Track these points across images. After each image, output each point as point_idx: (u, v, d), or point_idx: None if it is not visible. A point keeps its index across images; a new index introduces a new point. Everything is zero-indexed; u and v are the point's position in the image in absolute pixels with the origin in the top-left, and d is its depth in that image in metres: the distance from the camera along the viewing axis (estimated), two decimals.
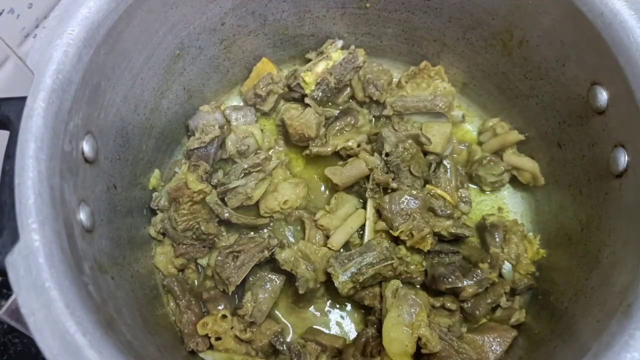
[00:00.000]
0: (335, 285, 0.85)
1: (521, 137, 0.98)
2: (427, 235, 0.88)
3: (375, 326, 0.88)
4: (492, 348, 0.85)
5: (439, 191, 0.93)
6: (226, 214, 0.92)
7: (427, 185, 0.94)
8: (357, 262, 0.86)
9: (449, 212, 0.92)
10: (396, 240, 0.93)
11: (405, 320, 0.82)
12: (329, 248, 0.90)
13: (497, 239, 0.95)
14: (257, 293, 0.89)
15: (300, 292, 0.86)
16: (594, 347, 0.60)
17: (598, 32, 0.71)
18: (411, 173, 0.93)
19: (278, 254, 0.87)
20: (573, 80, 0.81)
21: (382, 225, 0.91)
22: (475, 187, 1.02)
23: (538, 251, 0.94)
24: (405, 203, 0.90)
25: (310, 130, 0.97)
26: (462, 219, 0.95)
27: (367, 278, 0.85)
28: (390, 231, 0.90)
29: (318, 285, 0.89)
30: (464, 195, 0.96)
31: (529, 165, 0.96)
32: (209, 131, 0.94)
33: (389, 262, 0.87)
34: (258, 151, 0.98)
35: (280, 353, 0.87)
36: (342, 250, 0.92)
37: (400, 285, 0.87)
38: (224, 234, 0.94)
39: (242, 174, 0.94)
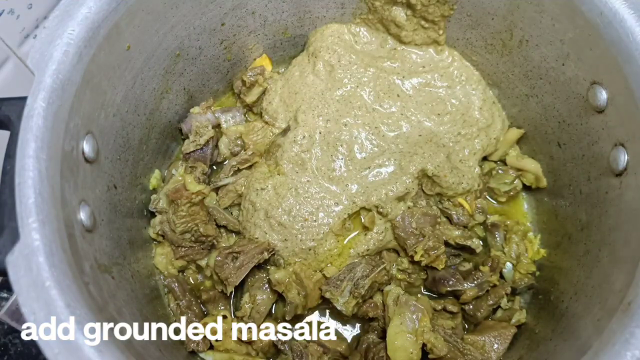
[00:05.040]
0: (338, 308, 0.85)
1: (521, 131, 0.98)
2: (442, 255, 0.88)
3: (376, 332, 0.88)
4: (494, 347, 0.85)
5: (459, 200, 0.93)
6: (224, 222, 0.92)
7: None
8: (350, 279, 0.86)
9: (464, 220, 0.93)
10: (397, 252, 0.93)
11: (409, 327, 0.82)
12: (323, 275, 0.89)
13: (498, 239, 0.95)
14: (256, 294, 0.88)
15: (287, 317, 0.86)
16: (594, 345, 0.60)
17: (597, 31, 0.72)
18: (424, 192, 0.93)
19: (272, 273, 0.87)
20: (573, 79, 0.81)
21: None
22: (490, 200, 1.01)
23: (538, 251, 0.94)
24: (417, 222, 0.90)
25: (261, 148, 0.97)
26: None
27: (367, 290, 0.85)
28: (405, 250, 0.91)
29: (306, 312, 0.89)
30: (479, 205, 0.96)
31: (532, 166, 0.96)
32: (203, 133, 0.94)
33: (381, 267, 0.88)
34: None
35: (282, 353, 0.87)
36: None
37: (401, 292, 0.87)
38: (223, 235, 0.94)
39: (232, 172, 0.94)
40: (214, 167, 1.00)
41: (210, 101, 1.03)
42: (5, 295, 1.06)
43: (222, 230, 0.94)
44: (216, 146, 0.98)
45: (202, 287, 0.93)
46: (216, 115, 0.99)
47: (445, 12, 0.92)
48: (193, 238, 0.90)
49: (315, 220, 0.89)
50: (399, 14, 0.94)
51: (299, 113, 0.94)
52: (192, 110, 0.99)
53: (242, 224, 0.92)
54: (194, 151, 0.95)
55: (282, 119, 0.98)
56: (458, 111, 0.96)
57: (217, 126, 0.98)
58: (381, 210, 0.90)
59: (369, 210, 0.91)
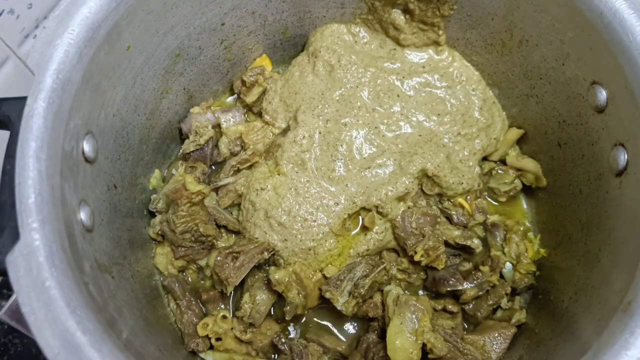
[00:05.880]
0: (338, 308, 0.85)
1: (520, 131, 0.98)
2: (442, 254, 0.88)
3: (375, 332, 0.88)
4: (494, 347, 0.85)
5: (460, 200, 0.93)
6: (224, 222, 0.92)
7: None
8: (350, 279, 0.86)
9: (464, 220, 0.93)
10: (397, 252, 0.93)
11: (409, 327, 0.82)
12: (323, 275, 0.89)
13: (498, 239, 0.95)
14: (256, 294, 0.88)
15: (287, 317, 0.86)
16: (594, 345, 0.60)
17: (597, 31, 0.72)
18: (424, 192, 0.93)
19: (272, 273, 0.86)
20: (573, 79, 0.81)
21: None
22: (490, 200, 1.01)
23: (538, 250, 0.94)
24: (417, 222, 0.90)
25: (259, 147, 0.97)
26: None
27: (367, 290, 0.85)
28: (405, 250, 0.90)
29: (306, 312, 0.89)
30: (479, 205, 0.96)
31: (532, 166, 0.96)
32: (203, 133, 0.94)
33: (381, 267, 0.88)
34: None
35: (282, 353, 0.87)
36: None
37: (401, 292, 0.87)
38: (223, 235, 0.94)
39: (232, 172, 0.94)
40: (214, 167, 1.00)
41: (210, 101, 1.03)
42: (5, 295, 1.06)
43: (222, 230, 0.94)
44: (216, 146, 0.98)
45: (201, 287, 0.93)
46: (216, 115, 0.99)
47: (445, 12, 0.92)
48: (193, 238, 0.90)
49: (315, 221, 0.88)
50: (398, 16, 0.94)
51: (298, 113, 0.94)
52: (192, 110, 0.99)
53: (242, 224, 0.92)
54: (194, 151, 0.95)
55: (282, 119, 0.98)
56: (458, 111, 0.96)
57: (217, 126, 0.98)
58: (381, 210, 0.90)
59: (369, 210, 0.91)
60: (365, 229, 0.91)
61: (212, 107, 1.01)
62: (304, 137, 0.92)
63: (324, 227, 0.88)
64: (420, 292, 0.94)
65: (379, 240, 0.90)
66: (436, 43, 0.98)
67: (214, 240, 0.92)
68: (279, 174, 0.92)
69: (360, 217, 0.92)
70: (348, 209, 0.89)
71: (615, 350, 0.56)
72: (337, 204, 0.89)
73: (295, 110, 0.96)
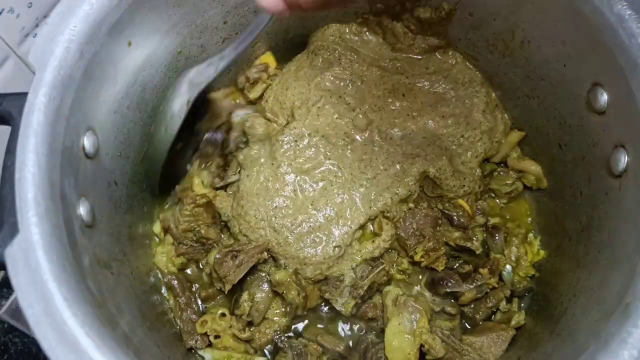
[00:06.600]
0: (337, 308, 0.85)
1: (522, 134, 0.98)
2: (442, 256, 0.88)
3: (374, 332, 0.88)
4: (492, 349, 0.85)
5: (460, 201, 0.93)
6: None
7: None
8: (349, 279, 0.86)
9: (464, 221, 0.92)
10: (398, 252, 0.93)
11: (407, 328, 0.82)
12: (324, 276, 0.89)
13: (498, 241, 0.95)
14: (255, 293, 0.88)
15: (287, 318, 0.86)
16: (592, 346, 0.60)
17: (599, 32, 0.71)
18: (425, 193, 0.93)
19: (273, 274, 0.86)
20: (574, 80, 0.81)
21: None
22: (496, 199, 1.00)
23: (538, 252, 0.94)
24: (418, 223, 0.90)
25: None
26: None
27: (366, 290, 0.85)
28: (405, 251, 0.90)
29: (305, 312, 0.89)
30: (480, 207, 0.95)
31: (533, 168, 0.96)
32: (219, 115, 0.91)
33: (380, 267, 0.87)
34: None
35: (281, 351, 0.87)
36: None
37: (400, 293, 0.87)
38: (224, 239, 0.93)
39: (239, 169, 0.94)
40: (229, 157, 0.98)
41: (231, 88, 1.02)
42: (5, 294, 1.06)
43: (225, 231, 0.94)
44: (227, 134, 0.95)
45: (201, 285, 0.93)
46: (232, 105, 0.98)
47: (445, 22, 0.92)
48: (194, 238, 0.90)
49: (325, 238, 0.87)
50: (398, 25, 0.95)
51: (294, 109, 0.94)
52: (211, 95, 0.95)
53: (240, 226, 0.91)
54: (206, 135, 0.91)
55: (282, 116, 0.97)
56: (462, 113, 0.96)
57: (230, 114, 0.96)
58: (387, 214, 0.89)
59: (375, 217, 0.90)
60: (374, 235, 0.90)
61: (231, 96, 1.00)
62: (301, 135, 0.91)
63: (337, 249, 0.86)
64: (419, 293, 0.94)
65: (386, 243, 0.89)
66: (439, 48, 0.98)
67: (215, 244, 0.91)
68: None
69: (370, 225, 0.91)
70: (356, 223, 0.87)
71: (612, 350, 0.56)
72: (344, 218, 0.87)
73: (290, 106, 0.95)
